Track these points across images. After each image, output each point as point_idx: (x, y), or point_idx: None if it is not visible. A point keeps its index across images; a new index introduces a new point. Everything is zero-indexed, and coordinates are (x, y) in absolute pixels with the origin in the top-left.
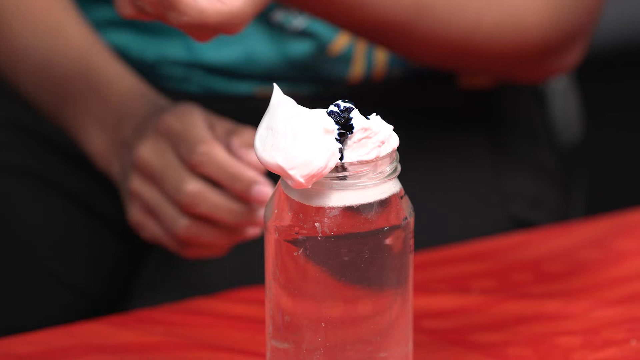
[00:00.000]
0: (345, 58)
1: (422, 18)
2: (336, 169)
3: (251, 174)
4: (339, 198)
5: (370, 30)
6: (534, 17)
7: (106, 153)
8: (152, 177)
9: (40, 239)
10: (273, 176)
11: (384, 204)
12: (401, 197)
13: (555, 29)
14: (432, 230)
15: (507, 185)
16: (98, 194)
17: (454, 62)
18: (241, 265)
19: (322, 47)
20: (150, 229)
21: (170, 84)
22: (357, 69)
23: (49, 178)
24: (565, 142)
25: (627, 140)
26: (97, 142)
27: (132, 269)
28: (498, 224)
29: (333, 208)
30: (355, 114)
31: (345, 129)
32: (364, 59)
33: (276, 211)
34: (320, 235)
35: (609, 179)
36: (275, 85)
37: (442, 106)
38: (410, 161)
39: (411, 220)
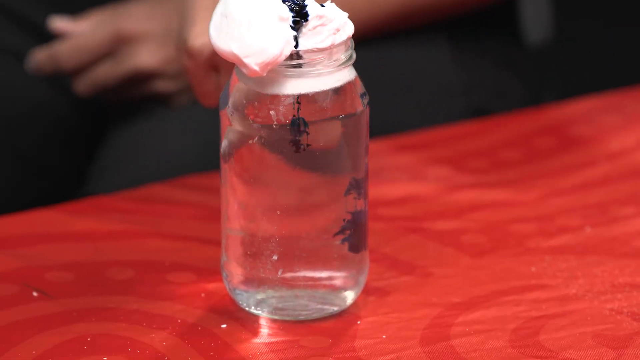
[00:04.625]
0: None
1: None
2: (291, 56)
3: None
4: (294, 86)
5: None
6: None
7: None
8: None
9: (1, 115)
10: None
11: (338, 91)
12: (362, 95)
13: None
14: (390, 120)
15: (469, 75)
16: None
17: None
18: (197, 149)
19: None
20: None
21: None
22: None
23: (12, 51)
24: (536, 41)
25: (599, 38)
26: None
27: (96, 149)
28: (458, 114)
29: (288, 96)
30: (310, 2)
31: (300, 16)
32: None
33: (231, 99)
34: (275, 123)
35: (580, 78)
36: None
37: None
38: (368, 48)
39: (366, 109)
